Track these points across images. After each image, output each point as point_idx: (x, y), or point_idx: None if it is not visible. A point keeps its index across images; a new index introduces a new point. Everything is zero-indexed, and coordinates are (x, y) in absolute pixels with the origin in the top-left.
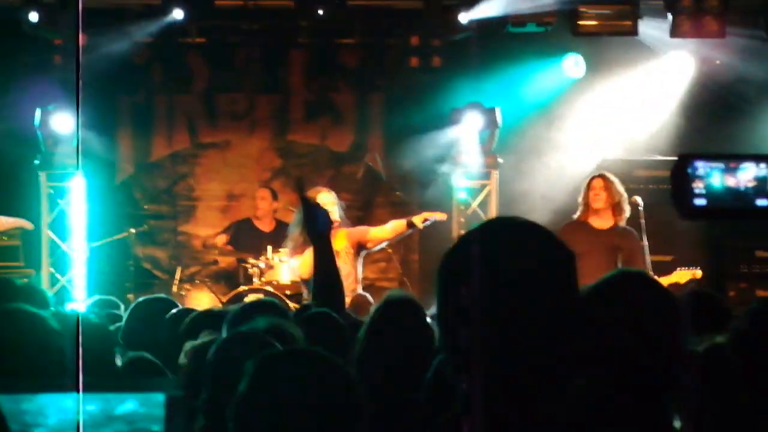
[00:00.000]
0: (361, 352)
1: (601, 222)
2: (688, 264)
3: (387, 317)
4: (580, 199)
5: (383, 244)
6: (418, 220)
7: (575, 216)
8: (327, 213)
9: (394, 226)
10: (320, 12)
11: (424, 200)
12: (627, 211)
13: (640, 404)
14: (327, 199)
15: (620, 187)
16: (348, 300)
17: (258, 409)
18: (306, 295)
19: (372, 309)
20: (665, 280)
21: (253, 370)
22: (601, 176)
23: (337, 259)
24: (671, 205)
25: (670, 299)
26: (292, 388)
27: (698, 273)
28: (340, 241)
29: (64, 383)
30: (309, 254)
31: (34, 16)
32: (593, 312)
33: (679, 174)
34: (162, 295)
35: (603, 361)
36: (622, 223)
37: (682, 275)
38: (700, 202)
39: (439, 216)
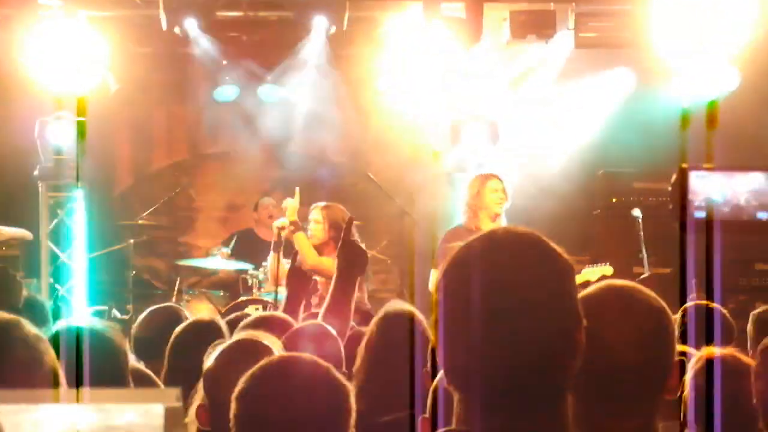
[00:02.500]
0: (360, 365)
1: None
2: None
3: (385, 330)
4: (467, 200)
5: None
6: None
7: (462, 222)
8: (365, 256)
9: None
10: (321, 23)
11: (422, 211)
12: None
13: (634, 417)
14: (312, 216)
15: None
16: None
17: (255, 412)
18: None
19: (371, 322)
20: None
21: (249, 375)
22: (499, 178)
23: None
24: (670, 218)
25: (659, 309)
26: (287, 393)
27: (609, 270)
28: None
29: (64, 394)
30: (272, 265)
31: (36, 27)
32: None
33: (679, 186)
34: (169, 304)
35: (593, 375)
36: None
37: (592, 273)
38: (699, 214)
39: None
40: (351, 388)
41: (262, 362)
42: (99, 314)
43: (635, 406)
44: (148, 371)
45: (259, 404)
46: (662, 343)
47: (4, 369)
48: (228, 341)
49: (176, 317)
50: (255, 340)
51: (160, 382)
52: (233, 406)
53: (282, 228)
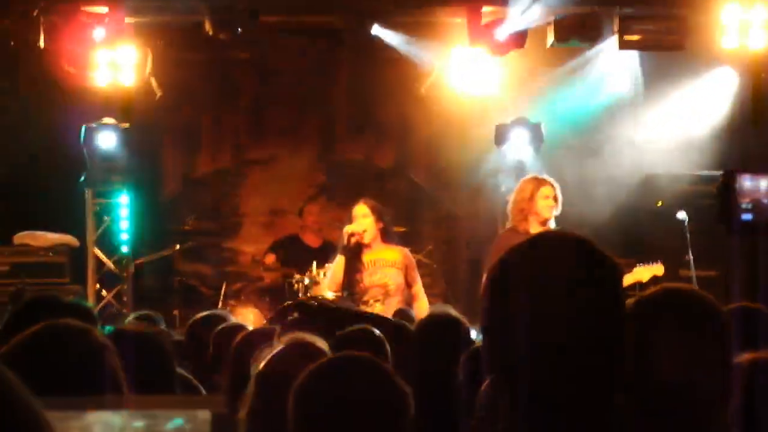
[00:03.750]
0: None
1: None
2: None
3: (429, 334)
4: (518, 203)
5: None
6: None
7: (510, 224)
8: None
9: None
10: (366, 29)
11: (468, 215)
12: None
13: (688, 422)
14: (360, 212)
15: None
16: (389, 314)
17: (314, 410)
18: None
19: (416, 325)
20: (626, 279)
21: (309, 373)
22: (551, 184)
23: (389, 271)
24: (717, 220)
25: (717, 313)
26: (346, 391)
27: (660, 269)
28: (395, 254)
29: (112, 400)
30: (337, 267)
31: (83, 34)
32: (638, 328)
33: (726, 189)
34: (217, 311)
35: (646, 378)
36: None
37: (643, 272)
38: (746, 216)
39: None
40: (409, 390)
41: (323, 360)
42: (145, 320)
43: (693, 410)
44: (189, 376)
45: (318, 402)
46: (721, 347)
47: (70, 375)
48: (279, 344)
49: (223, 323)
50: (306, 342)
51: (201, 389)
52: (291, 403)
53: (353, 235)
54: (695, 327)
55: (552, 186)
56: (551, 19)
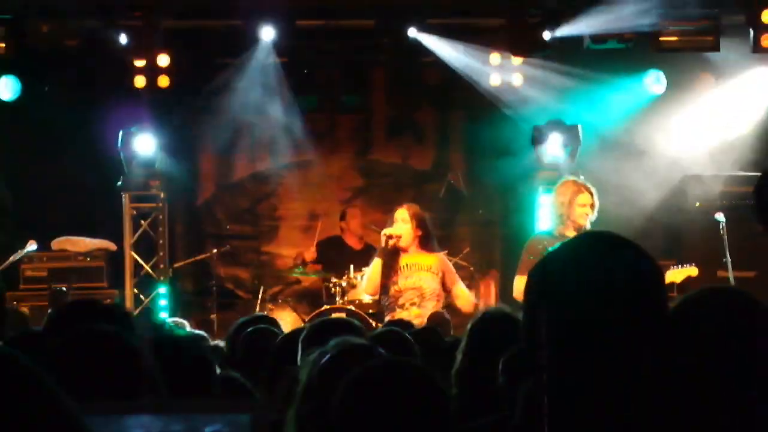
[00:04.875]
0: (459, 368)
1: None
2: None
3: (485, 332)
4: (556, 211)
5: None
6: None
7: (551, 228)
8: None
9: (466, 299)
10: (403, 32)
11: (504, 217)
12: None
13: (736, 422)
14: (400, 216)
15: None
16: (425, 317)
17: (359, 414)
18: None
19: (469, 325)
20: None
21: (351, 379)
22: (590, 191)
23: (424, 276)
24: (755, 221)
25: (762, 312)
26: (392, 396)
27: (694, 270)
28: (431, 259)
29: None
30: (374, 269)
31: (123, 38)
32: (682, 329)
33: (763, 189)
34: (261, 314)
35: (689, 379)
36: None
37: (677, 274)
38: None
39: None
40: (452, 396)
41: (369, 364)
42: (181, 324)
43: (745, 412)
44: (243, 379)
45: (363, 407)
46: (763, 345)
47: (106, 380)
48: (327, 347)
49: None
50: (355, 344)
51: (254, 392)
52: (337, 406)
53: (390, 237)
54: (742, 326)
55: (591, 193)
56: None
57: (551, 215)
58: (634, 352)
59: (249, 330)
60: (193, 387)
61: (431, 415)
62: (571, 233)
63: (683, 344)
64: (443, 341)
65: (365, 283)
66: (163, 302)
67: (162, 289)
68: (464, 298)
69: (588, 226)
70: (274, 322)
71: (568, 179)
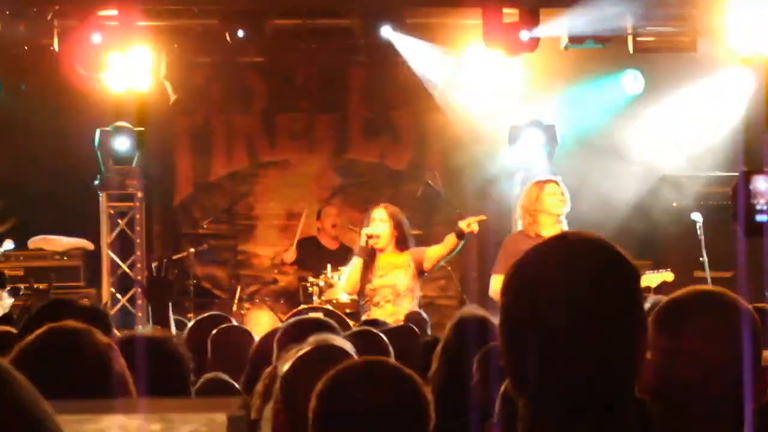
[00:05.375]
0: (436, 370)
1: (552, 231)
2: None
3: (461, 335)
4: (526, 207)
5: (441, 263)
6: (463, 225)
7: (520, 227)
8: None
9: (446, 242)
10: (378, 31)
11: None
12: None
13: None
14: (378, 215)
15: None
16: (402, 317)
17: (335, 411)
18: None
19: (447, 327)
20: None
21: (332, 375)
22: (555, 181)
23: (398, 273)
24: (732, 222)
25: (753, 316)
26: (368, 395)
27: (669, 276)
28: (404, 256)
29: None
30: (354, 268)
31: (98, 37)
32: (663, 333)
33: (741, 190)
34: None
35: (675, 380)
36: None
37: (652, 279)
38: (761, 218)
39: (480, 218)
40: (431, 395)
41: (346, 363)
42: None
43: (724, 411)
44: (231, 380)
45: (340, 404)
46: (755, 348)
47: (76, 377)
48: (304, 345)
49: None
50: (332, 344)
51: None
52: (313, 404)
53: (371, 236)
54: (725, 328)
55: (557, 183)
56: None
57: (520, 219)
58: (611, 355)
59: (205, 328)
60: (166, 388)
61: (407, 417)
62: (548, 229)
63: (666, 345)
64: (418, 340)
65: (344, 282)
66: (139, 301)
67: (138, 289)
68: (435, 250)
69: (563, 219)
70: (229, 320)
71: (533, 180)
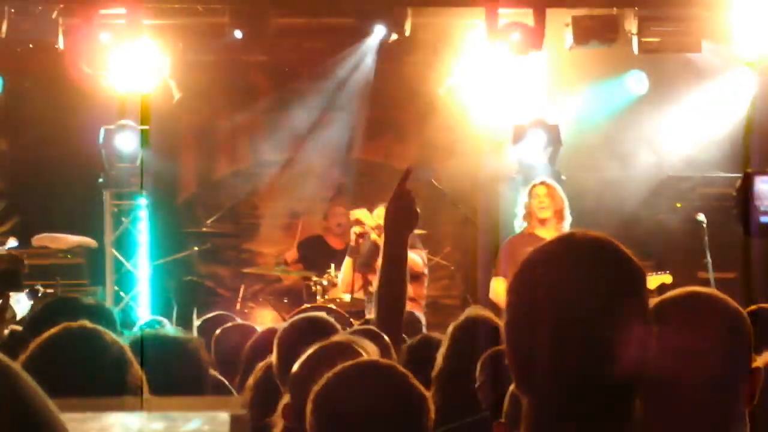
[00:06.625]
0: (441, 369)
1: (548, 232)
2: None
3: (467, 335)
4: (522, 210)
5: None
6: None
7: (520, 229)
8: (415, 213)
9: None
10: (382, 30)
11: (484, 216)
12: (569, 218)
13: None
14: (361, 215)
15: (562, 194)
16: None
17: (330, 412)
18: (368, 311)
19: (450, 327)
20: None
21: (328, 377)
22: (543, 183)
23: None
24: (735, 222)
25: (739, 314)
26: (363, 396)
27: (668, 278)
28: None
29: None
30: (346, 269)
31: (104, 35)
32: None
33: (744, 191)
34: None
35: (666, 382)
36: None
37: (651, 281)
38: (765, 219)
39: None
40: (429, 395)
41: (343, 365)
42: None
43: (713, 414)
44: (223, 379)
45: (335, 405)
46: (742, 349)
47: (89, 378)
48: (319, 343)
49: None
50: (344, 343)
51: (234, 391)
52: (309, 404)
53: (361, 235)
54: (716, 330)
55: (544, 185)
56: (569, 20)
57: (523, 217)
58: (615, 356)
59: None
60: (184, 388)
61: (404, 416)
62: (538, 230)
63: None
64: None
65: (340, 283)
66: (143, 300)
67: (143, 287)
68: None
69: (567, 221)
70: (233, 319)
71: (531, 184)
